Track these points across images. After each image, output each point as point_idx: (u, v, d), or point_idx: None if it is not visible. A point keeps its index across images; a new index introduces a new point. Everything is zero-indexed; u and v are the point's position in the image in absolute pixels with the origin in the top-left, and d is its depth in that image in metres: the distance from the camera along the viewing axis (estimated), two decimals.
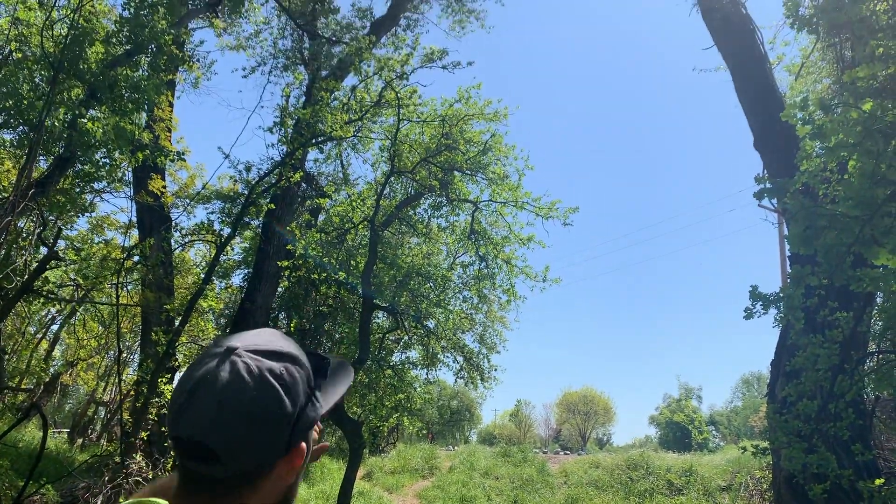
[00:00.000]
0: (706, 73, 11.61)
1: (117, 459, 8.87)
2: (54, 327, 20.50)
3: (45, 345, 20.70)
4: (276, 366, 0.94)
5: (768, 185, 5.72)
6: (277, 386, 0.93)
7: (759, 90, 9.59)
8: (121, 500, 8.66)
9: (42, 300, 8.01)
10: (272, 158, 13.29)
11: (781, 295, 6.36)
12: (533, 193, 13.04)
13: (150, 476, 8.73)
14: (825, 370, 6.52)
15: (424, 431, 33.86)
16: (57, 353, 23.35)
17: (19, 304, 8.90)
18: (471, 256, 14.67)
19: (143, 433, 8.89)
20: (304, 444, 0.99)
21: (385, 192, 13.18)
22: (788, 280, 6.24)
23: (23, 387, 10.38)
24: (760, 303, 6.25)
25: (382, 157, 13.98)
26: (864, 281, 5.75)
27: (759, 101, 9.55)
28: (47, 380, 19.30)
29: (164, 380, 9.43)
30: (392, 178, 13.11)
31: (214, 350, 0.96)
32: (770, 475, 9.77)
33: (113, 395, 21.00)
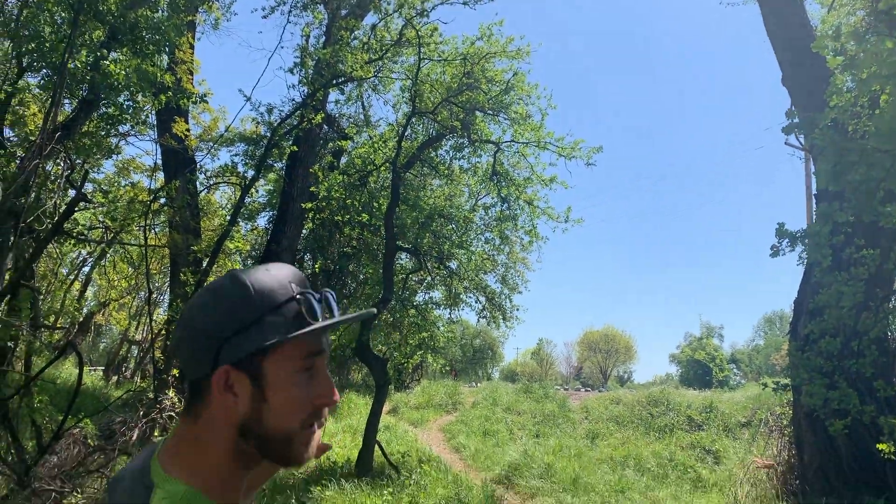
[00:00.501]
0: (734, 6, 11.24)
1: (151, 395, 9.20)
2: (86, 269, 20.99)
3: (77, 286, 21.23)
4: (225, 280, 0.94)
5: (797, 121, 5.62)
6: (210, 300, 0.93)
7: (789, 23, 9.29)
8: (155, 434, 9.03)
9: (73, 241, 8.19)
10: (293, 100, 13.24)
11: (808, 232, 6.32)
12: (556, 133, 12.90)
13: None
14: (849, 308, 6.51)
15: (448, 369, 34.49)
16: (89, 294, 23.97)
17: (51, 245, 9.11)
18: (493, 198, 14.63)
19: (174, 370, 9.17)
20: (229, 369, 0.95)
21: (406, 133, 13.11)
22: (815, 218, 6.19)
23: (58, 326, 10.70)
24: (787, 240, 6.22)
25: (403, 97, 13.84)
26: (894, 217, 5.69)
27: (789, 35, 9.27)
28: (81, 320, 19.84)
29: None
30: (413, 120, 13.01)
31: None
32: (790, 411, 9.86)
33: (145, 335, 21.58)
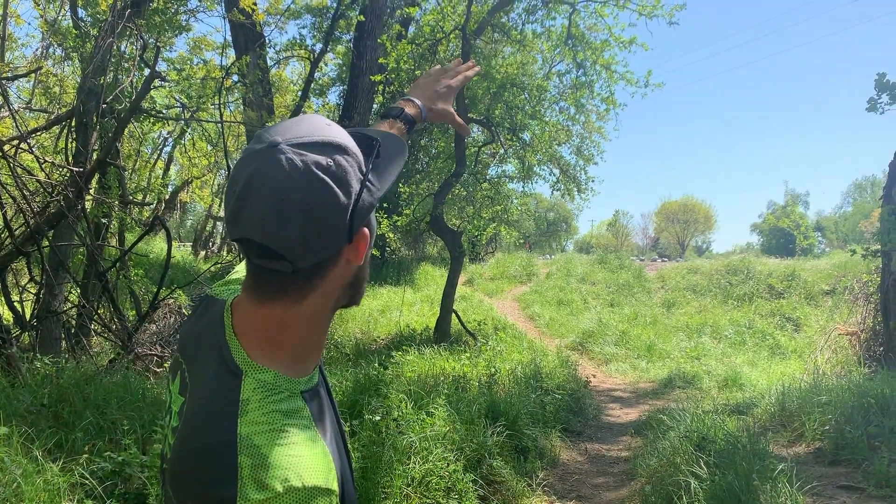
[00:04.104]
0: None
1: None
2: (167, 149, 21.67)
3: (161, 165, 22.01)
4: (322, 159, 0.91)
5: None
6: (327, 179, 0.90)
7: None
8: None
9: (151, 119, 8.39)
10: None
11: None
12: None
13: None
14: None
15: (521, 241, 34.69)
16: (172, 172, 24.88)
17: (132, 124, 9.38)
18: (567, 64, 13.99)
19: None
20: (365, 230, 0.98)
21: None
22: None
23: (146, 202, 11.19)
24: (887, 93, 5.72)
25: None
26: None
27: None
28: (167, 197, 20.70)
29: None
30: None
31: (257, 147, 0.93)
32: (878, 279, 9.53)
33: None
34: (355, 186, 0.94)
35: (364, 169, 0.96)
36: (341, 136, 0.97)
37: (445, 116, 1.12)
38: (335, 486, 0.91)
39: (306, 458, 0.89)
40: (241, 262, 1.29)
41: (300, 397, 0.97)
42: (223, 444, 0.87)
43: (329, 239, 0.93)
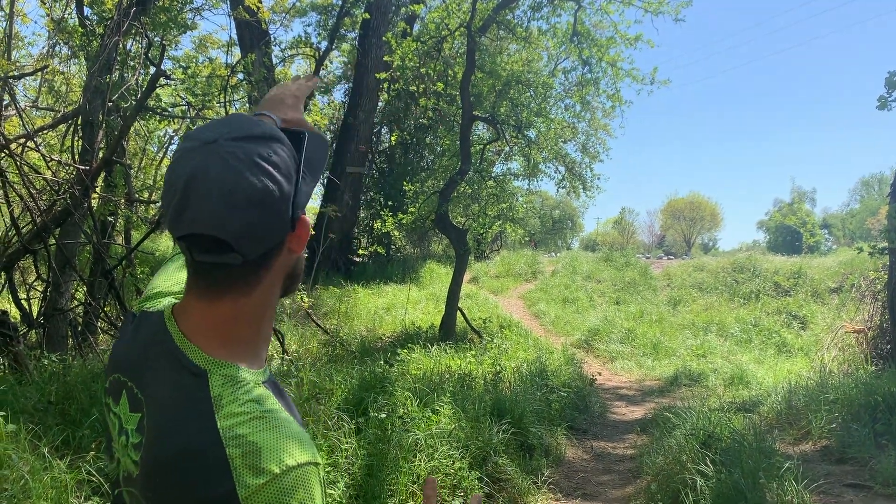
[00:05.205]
0: None
1: None
2: (172, 147, 21.71)
3: (167, 162, 22.06)
4: (262, 149, 0.93)
5: None
6: (269, 168, 0.92)
7: None
8: None
9: (157, 118, 8.41)
10: None
11: None
12: None
13: None
14: None
15: (527, 239, 34.65)
16: None
17: (138, 123, 9.39)
18: (573, 61, 13.95)
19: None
20: (306, 218, 1.00)
21: None
22: None
23: (152, 200, 11.22)
24: None
25: None
26: None
27: None
28: None
29: None
30: None
31: (191, 146, 0.93)
32: (885, 276, 9.49)
33: None
34: (294, 174, 0.96)
35: (297, 158, 0.99)
36: (273, 129, 0.99)
37: (301, 124, 1.17)
38: (321, 459, 0.95)
39: (291, 437, 0.91)
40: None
41: (263, 387, 0.98)
42: (207, 441, 0.88)
43: (275, 227, 0.95)
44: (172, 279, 1.26)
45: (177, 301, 1.07)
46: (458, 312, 11.63)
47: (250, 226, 0.91)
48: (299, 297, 9.66)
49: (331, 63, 21.00)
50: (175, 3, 8.33)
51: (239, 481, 0.85)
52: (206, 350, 0.97)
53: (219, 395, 0.92)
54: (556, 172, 20.75)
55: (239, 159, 0.91)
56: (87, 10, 8.20)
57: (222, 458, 0.86)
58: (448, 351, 9.44)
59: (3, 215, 7.47)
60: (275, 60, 14.66)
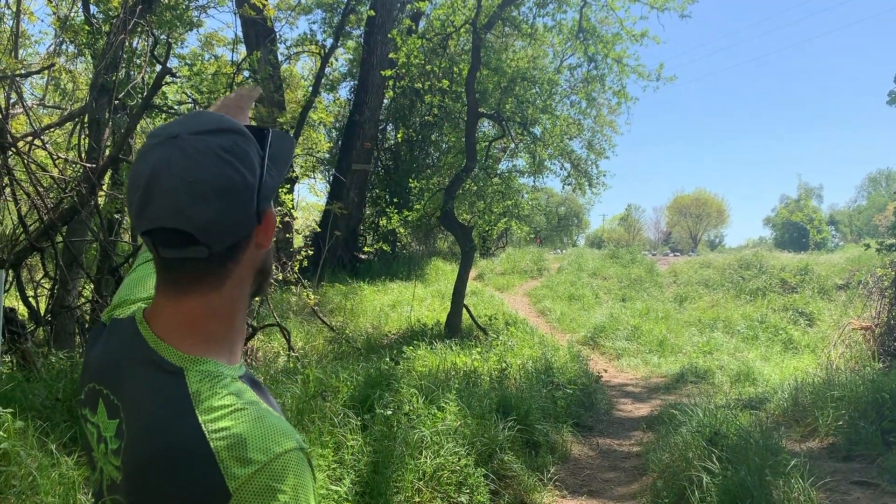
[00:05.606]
0: None
1: None
2: None
3: None
4: (224, 141, 0.93)
5: None
6: (232, 159, 0.92)
7: None
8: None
9: (163, 115, 8.42)
10: None
11: None
12: None
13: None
14: None
15: (532, 236, 34.61)
16: None
17: (144, 121, 9.41)
18: (578, 58, 13.92)
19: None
20: (272, 211, 1.01)
21: None
22: None
23: None
24: None
25: None
26: None
27: None
28: None
29: (283, 189, 9.96)
30: None
31: (154, 142, 0.93)
32: (892, 272, 9.45)
33: None
34: (258, 168, 0.96)
35: (262, 153, 0.99)
36: (236, 123, 0.99)
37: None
38: (307, 445, 0.95)
39: (275, 426, 0.91)
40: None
41: (239, 381, 0.98)
42: (190, 437, 0.88)
43: (240, 218, 0.94)
44: (139, 287, 1.25)
45: (146, 306, 1.06)
46: (464, 309, 11.63)
47: (214, 217, 0.91)
48: (305, 293, 9.67)
49: (336, 60, 21.02)
50: (181, 0, 8.35)
51: (227, 473, 0.85)
52: (181, 348, 0.96)
53: (197, 391, 0.92)
54: (561, 169, 20.81)
55: (201, 152, 0.91)
56: (93, 9, 8.23)
57: (208, 452, 0.86)
58: (454, 348, 9.45)
59: (10, 213, 7.50)
60: (280, 58, 14.68)
